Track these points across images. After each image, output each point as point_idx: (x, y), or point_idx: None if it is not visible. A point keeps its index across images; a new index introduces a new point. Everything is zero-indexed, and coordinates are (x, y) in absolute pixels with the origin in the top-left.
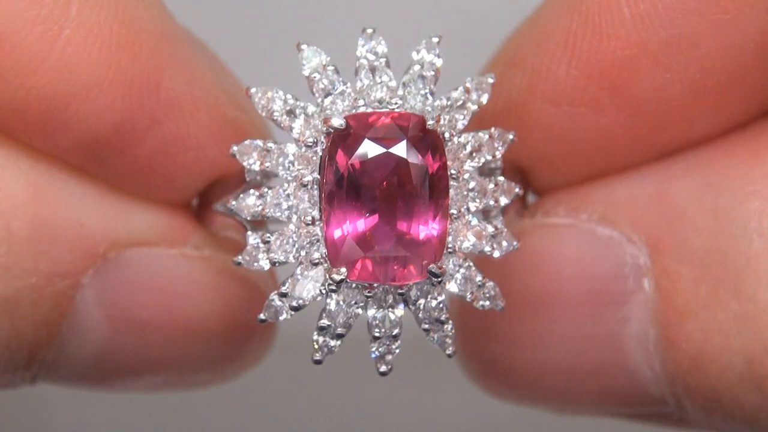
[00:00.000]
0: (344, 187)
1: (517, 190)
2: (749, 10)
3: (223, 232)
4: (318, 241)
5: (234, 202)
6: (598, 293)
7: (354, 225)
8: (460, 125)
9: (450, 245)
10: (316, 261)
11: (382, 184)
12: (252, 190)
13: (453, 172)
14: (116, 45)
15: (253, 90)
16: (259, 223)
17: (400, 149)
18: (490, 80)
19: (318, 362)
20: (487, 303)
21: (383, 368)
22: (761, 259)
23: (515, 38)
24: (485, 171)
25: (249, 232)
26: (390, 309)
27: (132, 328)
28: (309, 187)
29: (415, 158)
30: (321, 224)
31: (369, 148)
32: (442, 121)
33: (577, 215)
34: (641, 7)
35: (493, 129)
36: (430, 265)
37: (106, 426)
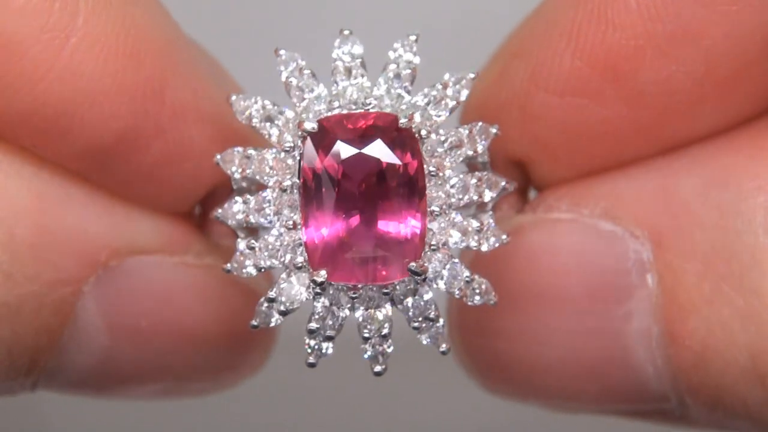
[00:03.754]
0: (321, 189)
1: (503, 183)
2: (756, 1)
3: (222, 241)
4: (300, 245)
5: (220, 210)
6: (601, 289)
7: (332, 227)
8: (438, 121)
9: (434, 243)
10: (300, 265)
11: (358, 185)
12: (237, 198)
13: (432, 169)
14: (122, 53)
15: (233, 98)
16: (253, 230)
17: (374, 149)
18: (471, 76)
19: (312, 365)
20: (478, 298)
21: (377, 368)
22: (766, 255)
23: (520, 29)
24: (478, 167)
25: (238, 240)
26: (377, 309)
27: (132, 336)
28: (289, 191)
29: (389, 158)
30: (302, 228)
31: (342, 150)
32: (417, 119)
33: (580, 210)
34: None
35: (473, 124)
36: (410, 264)
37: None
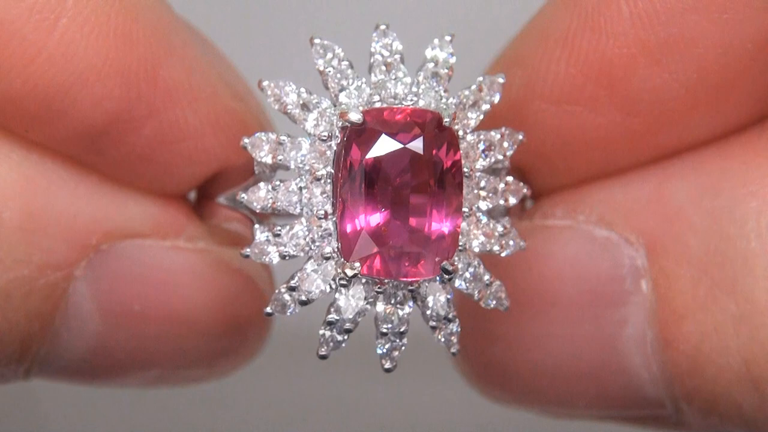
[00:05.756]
0: (359, 181)
1: (525, 190)
2: (748, 10)
3: (225, 225)
4: (330, 235)
5: (244, 195)
6: (596, 295)
7: (368, 220)
8: (472, 124)
9: (460, 243)
10: (328, 255)
11: (396, 179)
12: (262, 183)
13: (465, 170)
14: (114, 34)
15: (265, 83)
16: (264, 216)
17: (417, 145)
18: (501, 80)
19: (323, 357)
20: (494, 302)
21: (388, 365)
22: (758, 260)
23: (518, 38)
24: (490, 171)
25: (257, 226)
26: (399, 305)
27: (125, 321)
28: (322, 181)
29: (430, 155)
30: (333, 218)
31: (386, 144)
32: (460, 119)
33: (575, 217)
34: (640, 6)
35: (504, 128)
36: (443, 263)
37: (99, 425)
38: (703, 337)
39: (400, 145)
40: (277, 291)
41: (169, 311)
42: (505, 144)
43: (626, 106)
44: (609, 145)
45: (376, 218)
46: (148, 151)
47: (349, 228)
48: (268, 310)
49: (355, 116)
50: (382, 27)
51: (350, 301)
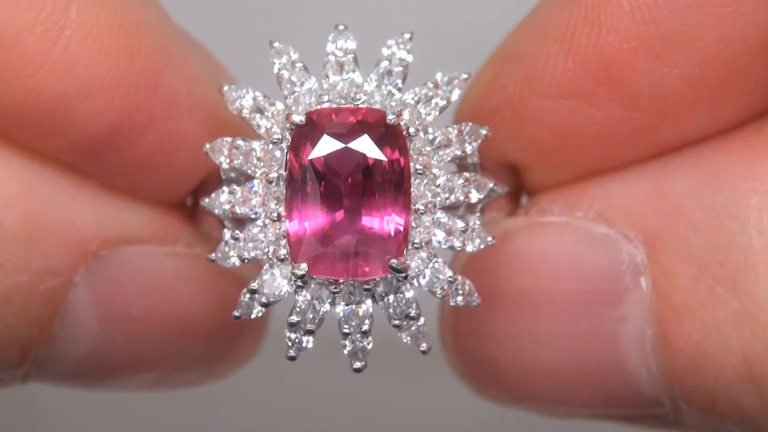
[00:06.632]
0: (306, 182)
1: (491, 185)
2: (750, 3)
3: (212, 231)
4: (284, 237)
5: (207, 200)
6: (594, 292)
7: (314, 221)
8: (428, 120)
9: (417, 241)
10: (282, 257)
11: (343, 179)
12: (224, 188)
13: (419, 167)
14: (116, 45)
15: (225, 88)
16: (241, 221)
17: (360, 145)
18: (464, 76)
19: (292, 358)
20: (460, 299)
21: (357, 364)
22: (760, 257)
23: (515, 33)
24: (468, 168)
25: (225, 230)
26: (357, 305)
27: (123, 326)
28: (275, 183)
29: (375, 153)
30: (286, 220)
31: (328, 144)
32: (406, 116)
33: (573, 213)
34: (641, 0)
35: (463, 124)
36: (391, 260)
37: (98, 424)
38: (704, 335)
39: (343, 145)
40: (241, 294)
41: (167, 316)
42: (465, 139)
43: (626, 101)
44: (608, 141)
45: (322, 219)
46: (147, 160)
47: (296, 229)
48: (236, 313)
49: (298, 117)
50: (340, 27)
51: (309, 302)
